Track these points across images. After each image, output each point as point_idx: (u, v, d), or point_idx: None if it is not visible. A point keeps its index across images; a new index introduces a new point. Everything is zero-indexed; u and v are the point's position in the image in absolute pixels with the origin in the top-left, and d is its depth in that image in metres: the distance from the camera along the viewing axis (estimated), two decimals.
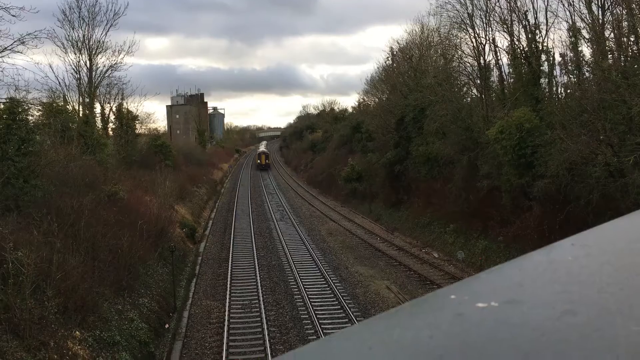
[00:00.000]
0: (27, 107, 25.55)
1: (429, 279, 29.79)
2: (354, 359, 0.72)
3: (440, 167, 41.43)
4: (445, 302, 0.87)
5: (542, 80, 34.47)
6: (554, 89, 35.75)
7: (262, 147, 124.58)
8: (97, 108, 46.72)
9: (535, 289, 0.92)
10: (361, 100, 78.18)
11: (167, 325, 23.91)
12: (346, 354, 0.74)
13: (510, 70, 37.16)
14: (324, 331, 22.19)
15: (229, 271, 32.00)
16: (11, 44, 25.87)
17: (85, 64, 43.93)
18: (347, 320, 23.61)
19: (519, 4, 34.74)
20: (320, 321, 23.23)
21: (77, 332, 17.48)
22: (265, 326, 23.06)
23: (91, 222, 23.39)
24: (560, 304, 0.84)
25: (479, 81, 39.28)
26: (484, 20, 37.30)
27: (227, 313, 24.95)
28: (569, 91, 33.80)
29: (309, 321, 23.66)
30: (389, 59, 62.04)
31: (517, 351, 0.71)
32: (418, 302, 0.90)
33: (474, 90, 42.15)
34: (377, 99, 68.37)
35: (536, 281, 0.96)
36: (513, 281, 0.95)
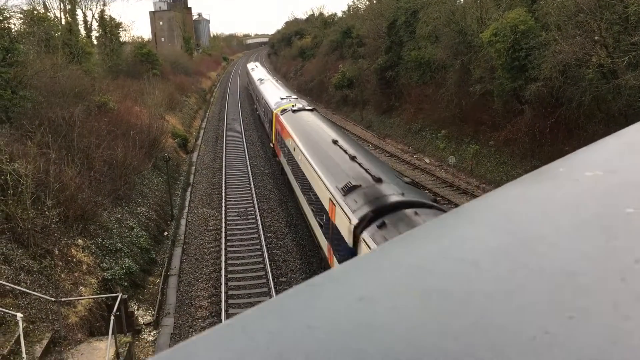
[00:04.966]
0: (8, 15, 24.64)
1: (420, 184, 30.32)
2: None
3: (432, 72, 40.97)
4: (558, 173, 1.06)
5: None
6: None
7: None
8: (79, 15, 45.10)
9: (628, 164, 1.11)
10: (351, 3, 75.82)
11: (165, 233, 24.51)
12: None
13: None
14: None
15: (223, 180, 32.38)
16: None
17: None
18: None
19: None
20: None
21: (79, 240, 17.94)
22: (261, 232, 23.71)
23: (84, 133, 23.32)
24: None
25: None
26: None
27: (223, 220, 25.54)
28: None
29: (305, 225, 24.29)
30: None
31: (628, 206, 0.89)
32: (538, 172, 1.09)
33: None
34: (367, 2, 66.28)
35: (624, 158, 1.14)
36: (601, 159, 1.14)
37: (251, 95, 67.59)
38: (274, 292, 18.29)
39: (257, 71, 69.52)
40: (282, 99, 34.84)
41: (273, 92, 40.89)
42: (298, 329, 0.64)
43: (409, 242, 0.84)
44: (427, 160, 36.15)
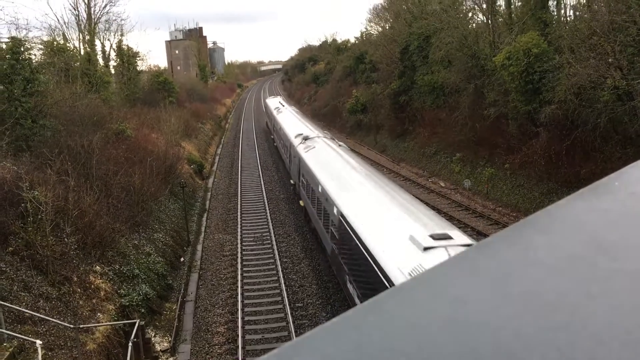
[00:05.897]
0: (29, 47, 25.24)
1: (436, 207, 30.17)
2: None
3: (445, 96, 41.10)
4: (615, 187, 1.12)
5: (550, 2, 33.62)
6: (563, 11, 34.95)
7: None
8: (98, 45, 46.06)
9: None
10: (364, 29, 76.66)
11: (182, 259, 24.59)
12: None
13: None
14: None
15: (239, 206, 32.52)
16: None
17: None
18: None
19: None
20: None
21: (97, 267, 18.06)
22: (277, 257, 23.70)
23: (102, 160, 23.64)
24: None
25: (485, 5, 38.31)
26: None
27: (239, 245, 25.59)
28: (578, 13, 33.04)
29: (319, 251, 24.25)
30: None
31: None
32: (595, 187, 1.13)
33: (480, 16, 41.19)
34: (380, 28, 66.98)
35: None
36: None
37: (276, 147, 46.10)
38: (290, 317, 18.19)
39: (287, 115, 43.62)
40: (428, 244, 11.97)
41: (368, 199, 16.95)
42: (403, 326, 0.69)
43: (486, 249, 0.89)
44: (442, 184, 36.05)
